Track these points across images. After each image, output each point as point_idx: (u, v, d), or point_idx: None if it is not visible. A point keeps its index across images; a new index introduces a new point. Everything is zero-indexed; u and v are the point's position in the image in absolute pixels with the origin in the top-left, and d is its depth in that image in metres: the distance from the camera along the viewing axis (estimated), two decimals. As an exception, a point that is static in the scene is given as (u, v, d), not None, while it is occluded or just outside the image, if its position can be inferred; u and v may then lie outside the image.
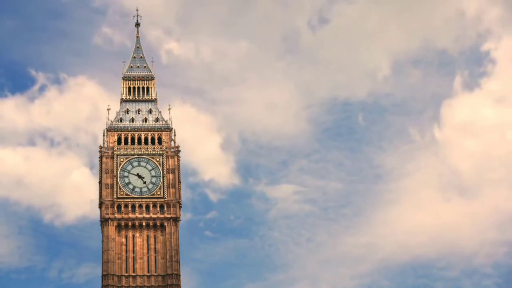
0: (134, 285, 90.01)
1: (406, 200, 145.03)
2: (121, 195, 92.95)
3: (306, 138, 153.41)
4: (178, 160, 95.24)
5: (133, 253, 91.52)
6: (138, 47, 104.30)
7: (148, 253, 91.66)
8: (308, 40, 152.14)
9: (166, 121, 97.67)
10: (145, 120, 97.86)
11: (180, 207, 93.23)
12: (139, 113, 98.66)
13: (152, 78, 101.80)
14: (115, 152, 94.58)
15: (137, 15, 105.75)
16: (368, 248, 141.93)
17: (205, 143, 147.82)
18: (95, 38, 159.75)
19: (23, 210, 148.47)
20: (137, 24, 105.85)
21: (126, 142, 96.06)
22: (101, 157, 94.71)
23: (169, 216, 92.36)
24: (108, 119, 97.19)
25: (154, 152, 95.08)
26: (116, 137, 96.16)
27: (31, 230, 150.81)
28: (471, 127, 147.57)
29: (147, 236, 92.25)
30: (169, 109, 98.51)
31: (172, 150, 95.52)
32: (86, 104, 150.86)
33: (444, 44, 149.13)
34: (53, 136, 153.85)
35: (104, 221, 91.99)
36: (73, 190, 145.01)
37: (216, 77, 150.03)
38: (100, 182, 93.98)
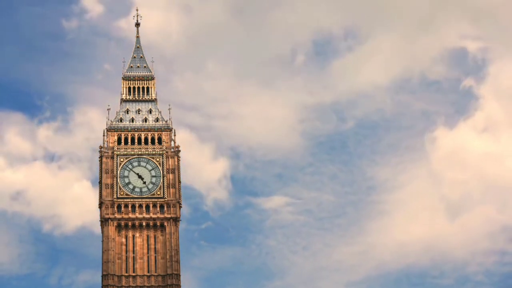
0: (134, 285, 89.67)
1: (399, 211, 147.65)
2: (121, 195, 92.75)
3: (300, 152, 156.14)
4: (178, 160, 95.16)
5: (133, 253, 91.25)
6: (138, 47, 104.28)
7: (148, 253, 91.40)
8: (305, 63, 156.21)
9: (166, 121, 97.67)
10: (145, 120, 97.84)
11: (180, 207, 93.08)
12: (139, 113, 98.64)
13: (152, 78, 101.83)
14: (115, 152, 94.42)
15: (137, 15, 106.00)
16: (362, 256, 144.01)
17: (203, 159, 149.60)
18: (96, 75, 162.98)
19: (24, 221, 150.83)
20: (137, 24, 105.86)
21: (126, 142, 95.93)
22: (101, 157, 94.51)
23: (169, 216, 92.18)
24: (108, 119, 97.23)
25: (154, 152, 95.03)
26: (116, 137, 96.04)
27: (31, 238, 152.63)
28: (461, 149, 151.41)
29: (147, 236, 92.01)
30: (169, 109, 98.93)
31: (172, 150, 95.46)
32: (87, 130, 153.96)
33: (436, 76, 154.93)
34: (54, 152, 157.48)
35: (104, 221, 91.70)
36: (73, 202, 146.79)
37: (212, 94, 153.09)
38: (100, 182, 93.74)
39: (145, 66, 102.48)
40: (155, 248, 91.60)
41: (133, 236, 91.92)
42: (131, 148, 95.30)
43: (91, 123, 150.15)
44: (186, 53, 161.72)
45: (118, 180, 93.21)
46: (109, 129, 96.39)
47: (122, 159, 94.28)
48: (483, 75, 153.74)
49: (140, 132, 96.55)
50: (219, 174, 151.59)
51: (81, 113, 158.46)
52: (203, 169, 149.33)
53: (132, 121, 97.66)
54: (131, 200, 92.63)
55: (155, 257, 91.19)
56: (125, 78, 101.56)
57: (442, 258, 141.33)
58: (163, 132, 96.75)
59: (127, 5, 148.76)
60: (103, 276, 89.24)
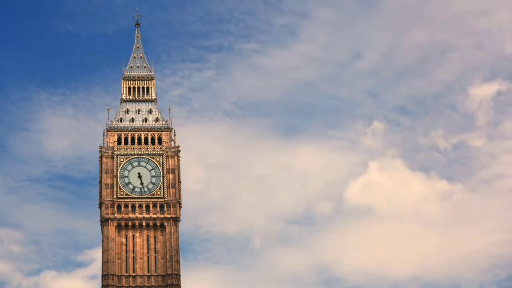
0: (134, 285, 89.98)
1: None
2: (121, 195, 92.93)
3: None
4: (178, 160, 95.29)
5: (133, 253, 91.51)
6: (138, 47, 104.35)
7: (148, 253, 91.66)
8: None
9: (166, 121, 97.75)
10: (145, 120, 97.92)
11: (180, 207, 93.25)
12: (139, 113, 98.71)
13: (152, 78, 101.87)
14: (115, 152, 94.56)
15: (137, 15, 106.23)
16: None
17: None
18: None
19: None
20: (137, 24, 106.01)
21: (126, 142, 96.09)
22: (101, 157, 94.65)
23: (169, 216, 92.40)
24: (108, 119, 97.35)
25: (154, 152, 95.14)
26: (116, 137, 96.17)
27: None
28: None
29: (147, 236, 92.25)
30: (169, 109, 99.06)
31: (172, 150, 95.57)
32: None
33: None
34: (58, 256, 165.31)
35: (104, 221, 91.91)
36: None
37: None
38: (100, 182, 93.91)
39: (145, 66, 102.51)
40: (155, 248, 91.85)
41: (133, 236, 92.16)
42: (131, 148, 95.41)
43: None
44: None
45: (118, 180, 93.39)
46: (109, 129, 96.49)
47: (122, 159, 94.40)
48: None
49: (140, 132, 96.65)
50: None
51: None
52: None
53: (132, 121, 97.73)
54: (131, 200, 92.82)
55: (155, 257, 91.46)
56: (125, 78, 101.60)
57: None
58: (163, 132, 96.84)
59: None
60: (103, 276, 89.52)
